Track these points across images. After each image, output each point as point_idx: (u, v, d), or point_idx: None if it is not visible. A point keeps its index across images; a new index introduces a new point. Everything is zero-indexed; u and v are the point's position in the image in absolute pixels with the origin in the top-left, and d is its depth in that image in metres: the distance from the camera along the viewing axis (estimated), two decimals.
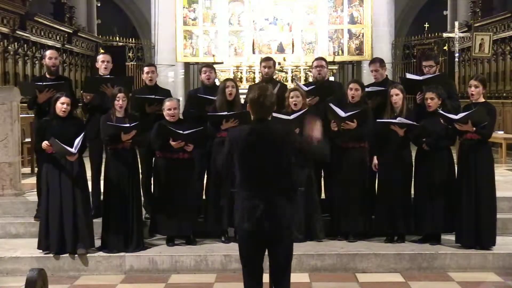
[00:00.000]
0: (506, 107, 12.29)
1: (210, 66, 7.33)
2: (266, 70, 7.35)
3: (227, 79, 6.82)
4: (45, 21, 13.72)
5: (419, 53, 17.05)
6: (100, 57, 7.17)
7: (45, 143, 6.09)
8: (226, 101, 6.54)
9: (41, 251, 6.23)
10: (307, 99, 6.66)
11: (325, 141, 4.24)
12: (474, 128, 6.07)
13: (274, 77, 8.37)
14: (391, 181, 6.44)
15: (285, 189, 4.16)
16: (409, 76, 7.41)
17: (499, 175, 8.08)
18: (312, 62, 7.42)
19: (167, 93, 7.16)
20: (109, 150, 6.41)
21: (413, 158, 6.57)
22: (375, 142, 6.55)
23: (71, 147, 6.06)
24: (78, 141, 6.09)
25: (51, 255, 6.17)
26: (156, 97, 6.87)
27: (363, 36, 15.22)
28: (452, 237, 6.40)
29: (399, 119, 6.29)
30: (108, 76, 6.99)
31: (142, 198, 6.78)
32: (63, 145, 6.02)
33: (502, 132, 11.64)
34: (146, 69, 7.23)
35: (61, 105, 6.15)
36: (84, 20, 16.86)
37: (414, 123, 6.28)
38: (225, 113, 6.40)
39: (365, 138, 6.55)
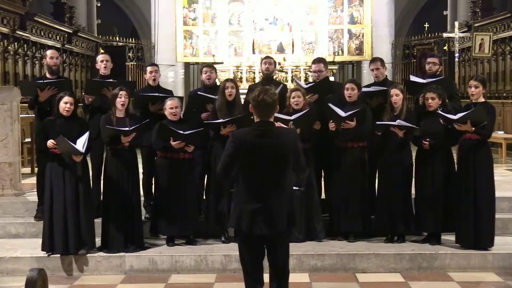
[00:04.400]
0: (506, 107, 12.27)
1: (210, 66, 7.27)
2: (266, 66, 7.34)
3: (227, 80, 6.75)
4: (45, 21, 13.71)
5: (419, 53, 17.08)
6: (99, 57, 7.15)
7: (50, 141, 6.03)
8: (226, 101, 6.51)
9: (44, 252, 6.18)
10: (307, 96, 6.64)
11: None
12: (473, 128, 6.07)
13: (274, 77, 8.36)
14: (391, 181, 6.44)
15: (284, 191, 4.16)
16: (413, 78, 7.39)
17: (499, 175, 8.08)
18: (311, 65, 7.37)
19: (169, 94, 7.13)
20: (108, 150, 6.39)
21: (413, 158, 6.57)
22: (374, 142, 6.55)
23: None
24: (84, 140, 6.02)
25: (51, 255, 6.16)
26: (160, 95, 6.86)
27: (363, 36, 15.23)
28: (452, 237, 6.39)
29: (398, 122, 6.27)
30: (111, 80, 6.89)
31: (143, 198, 6.79)
32: (71, 144, 5.94)
33: (502, 132, 11.63)
34: (149, 68, 7.18)
35: (65, 104, 6.10)
36: (84, 20, 16.85)
37: (413, 125, 6.26)
38: (221, 120, 6.36)
39: (364, 137, 6.55)
